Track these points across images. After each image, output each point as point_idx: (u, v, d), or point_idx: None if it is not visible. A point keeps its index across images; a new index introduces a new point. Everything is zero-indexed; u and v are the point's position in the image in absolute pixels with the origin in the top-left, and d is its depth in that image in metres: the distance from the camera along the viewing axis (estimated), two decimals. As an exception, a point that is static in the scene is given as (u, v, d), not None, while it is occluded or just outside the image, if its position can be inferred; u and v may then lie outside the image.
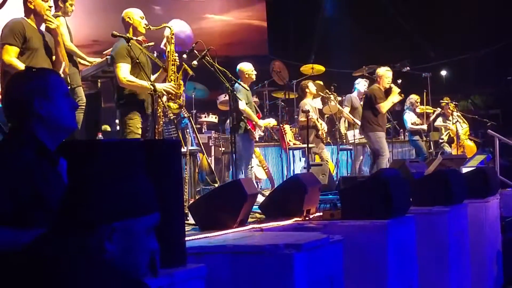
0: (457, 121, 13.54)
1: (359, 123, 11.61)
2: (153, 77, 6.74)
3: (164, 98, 6.67)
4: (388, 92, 10.41)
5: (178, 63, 6.83)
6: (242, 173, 8.63)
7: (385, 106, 10.29)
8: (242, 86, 8.50)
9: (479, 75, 18.76)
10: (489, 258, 7.04)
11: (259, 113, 9.46)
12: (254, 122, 8.90)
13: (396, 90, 10.54)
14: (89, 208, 2.01)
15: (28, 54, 6.10)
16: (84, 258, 1.95)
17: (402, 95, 10.94)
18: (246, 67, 9.12)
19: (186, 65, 6.95)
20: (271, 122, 10.11)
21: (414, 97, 13.55)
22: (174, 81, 6.72)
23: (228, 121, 10.45)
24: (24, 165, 2.65)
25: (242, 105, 8.68)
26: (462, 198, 6.47)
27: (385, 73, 10.47)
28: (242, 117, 8.77)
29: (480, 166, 8.99)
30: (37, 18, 6.24)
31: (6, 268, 1.92)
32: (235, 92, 7.77)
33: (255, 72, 9.18)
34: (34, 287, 1.85)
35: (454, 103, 13.90)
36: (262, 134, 9.71)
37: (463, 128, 14.02)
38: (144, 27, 6.81)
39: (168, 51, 6.81)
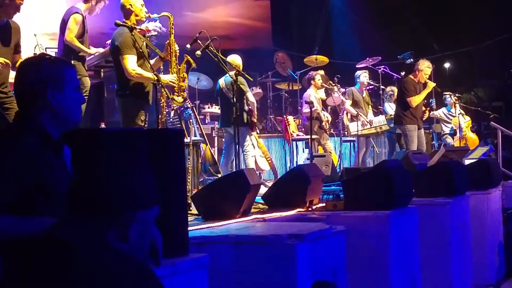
0: (460, 113, 13.53)
1: (362, 115, 11.63)
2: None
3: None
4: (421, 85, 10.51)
5: (178, 53, 6.79)
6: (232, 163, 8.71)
7: (416, 100, 10.31)
8: (246, 77, 8.50)
9: (482, 67, 18.71)
10: (491, 250, 7.04)
11: None
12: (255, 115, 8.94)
13: (431, 85, 10.55)
14: (114, 198, 2.04)
15: None
16: (105, 246, 1.98)
17: (438, 89, 11.09)
18: (239, 61, 9.02)
19: (188, 57, 6.91)
20: None
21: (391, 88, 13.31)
22: (177, 73, 6.69)
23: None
24: (28, 153, 2.65)
25: (252, 97, 8.69)
26: (465, 189, 6.47)
27: (425, 68, 10.49)
28: (245, 109, 8.79)
29: (482, 158, 8.99)
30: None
31: (30, 256, 1.95)
32: (242, 84, 7.78)
33: None
34: (56, 275, 1.87)
35: (456, 95, 13.86)
36: None
37: (465, 121, 14.00)
38: (145, 15, 6.77)
39: (169, 42, 6.77)
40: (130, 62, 6.46)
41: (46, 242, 1.99)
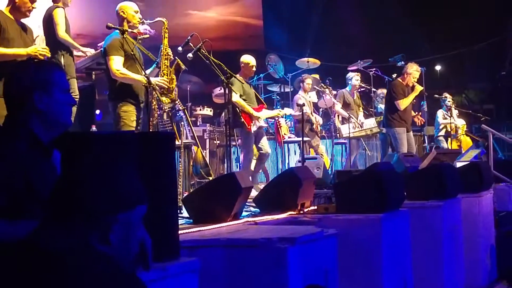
0: (451, 115, 13.56)
1: (354, 117, 11.62)
2: (147, 72, 6.72)
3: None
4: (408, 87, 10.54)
5: (172, 57, 6.80)
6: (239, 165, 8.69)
7: (404, 103, 10.37)
8: (237, 79, 8.48)
9: (473, 70, 18.78)
10: (483, 253, 7.04)
11: (263, 104, 9.44)
12: (249, 114, 8.90)
13: (419, 88, 10.59)
14: (94, 200, 2.02)
15: (3, 43, 6.08)
16: (87, 250, 1.96)
17: (426, 93, 11.08)
18: (251, 60, 9.18)
19: (178, 60, 6.92)
20: (287, 111, 10.09)
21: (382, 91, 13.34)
22: (167, 75, 6.69)
23: (223, 114, 10.44)
24: (17, 157, 2.63)
25: (235, 97, 8.69)
26: (456, 192, 6.47)
27: (414, 72, 10.58)
28: (238, 110, 8.78)
29: (474, 160, 9.00)
30: (16, 11, 6.24)
31: (5, 260, 1.92)
32: (230, 85, 7.76)
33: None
34: (35, 280, 1.85)
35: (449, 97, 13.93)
36: (265, 125, 9.63)
37: (461, 124, 14.06)
38: (138, 21, 6.79)
39: (162, 45, 6.78)
40: (115, 63, 6.50)
41: (23, 246, 1.96)
